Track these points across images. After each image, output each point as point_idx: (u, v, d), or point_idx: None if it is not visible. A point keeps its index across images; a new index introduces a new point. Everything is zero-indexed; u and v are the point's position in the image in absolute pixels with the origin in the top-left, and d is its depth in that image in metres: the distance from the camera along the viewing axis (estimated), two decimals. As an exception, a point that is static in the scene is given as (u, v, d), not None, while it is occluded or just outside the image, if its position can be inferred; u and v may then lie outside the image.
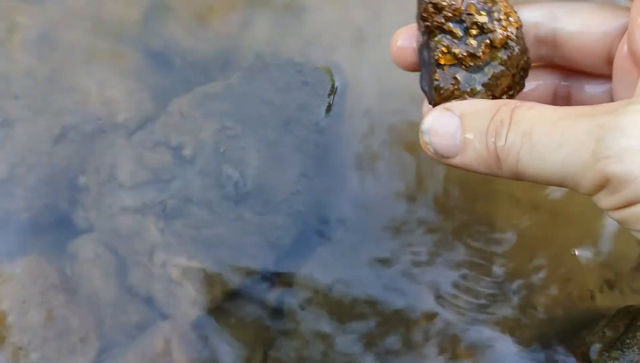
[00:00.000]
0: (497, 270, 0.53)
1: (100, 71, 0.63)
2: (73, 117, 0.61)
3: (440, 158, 0.36)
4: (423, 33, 0.37)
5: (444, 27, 0.36)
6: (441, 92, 0.37)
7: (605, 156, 0.29)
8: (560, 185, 0.31)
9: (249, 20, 0.63)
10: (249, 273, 0.54)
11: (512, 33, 0.36)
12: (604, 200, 0.31)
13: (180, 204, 0.56)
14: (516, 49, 0.36)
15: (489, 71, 0.36)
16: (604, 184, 0.30)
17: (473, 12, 0.35)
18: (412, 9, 0.37)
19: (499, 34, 0.35)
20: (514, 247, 0.54)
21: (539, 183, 0.32)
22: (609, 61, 0.39)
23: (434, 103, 0.37)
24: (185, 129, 0.58)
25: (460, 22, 0.36)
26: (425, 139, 0.36)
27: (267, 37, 0.61)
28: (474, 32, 0.35)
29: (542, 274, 0.53)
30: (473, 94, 0.37)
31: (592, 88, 0.41)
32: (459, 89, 0.36)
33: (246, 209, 0.55)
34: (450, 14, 0.35)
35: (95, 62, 0.64)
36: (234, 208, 0.55)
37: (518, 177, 0.33)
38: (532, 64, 0.40)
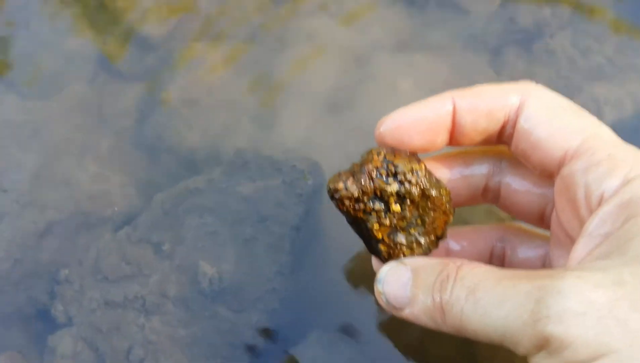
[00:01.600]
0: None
1: (90, 165, 0.65)
2: (60, 212, 0.62)
3: (391, 309, 0.38)
4: (347, 215, 0.39)
5: (366, 208, 0.38)
6: (392, 258, 0.39)
7: (545, 317, 0.30)
8: (501, 343, 0.32)
9: (233, 117, 0.64)
10: (223, 373, 0.54)
11: (423, 181, 0.37)
12: (543, 361, 0.31)
13: (158, 301, 0.56)
14: (433, 191, 0.38)
15: (423, 221, 0.38)
16: (543, 345, 0.30)
17: (383, 185, 0.37)
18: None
19: (414, 191, 0.37)
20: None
21: (480, 339, 0.33)
22: (542, 218, 0.41)
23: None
24: (167, 225, 0.59)
25: (377, 198, 0.37)
26: (379, 288, 0.38)
27: (248, 134, 0.62)
28: (392, 199, 0.37)
29: None
30: (419, 246, 0.39)
31: (525, 252, 0.43)
32: (404, 249, 0.39)
33: (221, 306, 0.55)
34: (365, 198, 0.37)
35: (85, 156, 0.65)
36: (209, 305, 0.55)
37: (460, 331, 0.34)
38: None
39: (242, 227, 0.56)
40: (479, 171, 0.42)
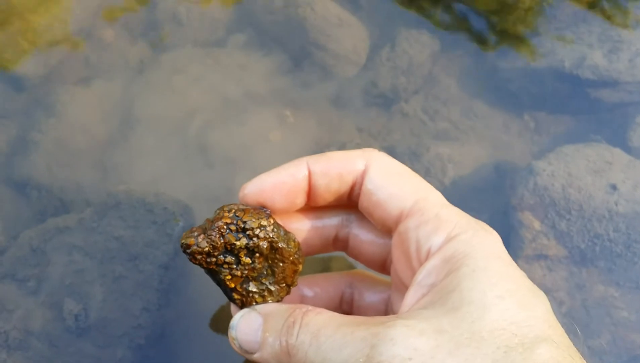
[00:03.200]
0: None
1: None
2: None
3: (244, 353, 0.41)
4: (201, 267, 0.42)
5: (217, 261, 0.41)
6: (246, 306, 0.43)
7: (378, 362, 0.34)
8: None
9: (105, 158, 0.66)
10: (84, 408, 0.55)
11: (271, 235, 0.41)
12: None
13: (22, 336, 0.57)
14: (281, 244, 0.42)
15: (273, 271, 0.42)
16: None
17: (232, 240, 0.40)
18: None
19: (263, 244, 0.41)
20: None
21: None
22: (384, 266, 0.46)
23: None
24: (33, 262, 0.59)
25: (227, 251, 0.41)
26: (232, 334, 0.41)
27: (121, 175, 0.65)
28: (242, 253, 0.41)
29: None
30: (270, 294, 0.42)
31: (370, 297, 0.48)
32: (256, 297, 0.42)
33: (86, 342, 0.56)
34: (216, 252, 0.40)
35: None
36: (74, 341, 0.56)
37: None
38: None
39: (111, 265, 0.58)
40: (330, 223, 0.47)
